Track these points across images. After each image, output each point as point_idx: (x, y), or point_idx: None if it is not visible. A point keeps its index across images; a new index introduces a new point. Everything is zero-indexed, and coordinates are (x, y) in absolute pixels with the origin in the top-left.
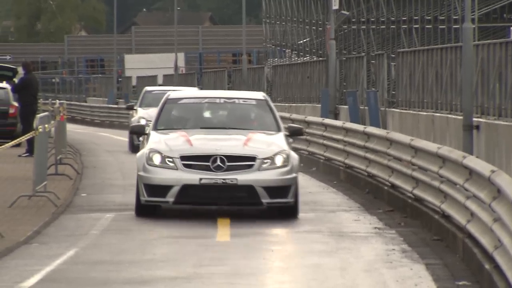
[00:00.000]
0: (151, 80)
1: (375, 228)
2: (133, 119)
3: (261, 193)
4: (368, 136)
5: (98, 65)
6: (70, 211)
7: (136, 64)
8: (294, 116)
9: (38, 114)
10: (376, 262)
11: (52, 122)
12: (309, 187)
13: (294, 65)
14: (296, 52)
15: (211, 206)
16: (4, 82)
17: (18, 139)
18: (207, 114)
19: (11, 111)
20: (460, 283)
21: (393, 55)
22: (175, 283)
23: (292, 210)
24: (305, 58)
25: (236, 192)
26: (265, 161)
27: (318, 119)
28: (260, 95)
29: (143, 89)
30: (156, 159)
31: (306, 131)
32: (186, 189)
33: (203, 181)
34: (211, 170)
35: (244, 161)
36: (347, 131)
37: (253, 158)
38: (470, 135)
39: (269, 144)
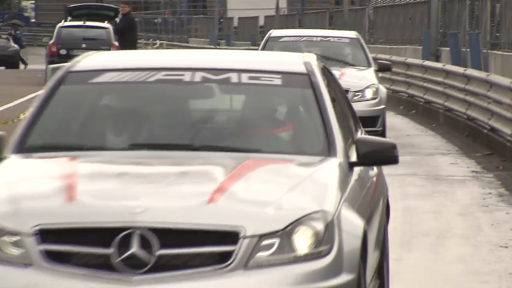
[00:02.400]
0: (253, 21)
1: (473, 171)
2: None
3: None
4: (468, 78)
5: (200, 6)
6: None
7: (238, 4)
8: (394, 58)
9: None
10: (471, 206)
11: None
12: (408, 130)
13: (396, 6)
14: None
15: None
16: (106, 22)
17: None
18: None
19: (112, 50)
20: None
21: None
22: None
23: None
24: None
25: None
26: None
27: (418, 61)
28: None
29: (267, 34)
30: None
31: (406, 73)
32: None
33: None
34: (114, 271)
35: (204, 245)
36: (447, 73)
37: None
38: None
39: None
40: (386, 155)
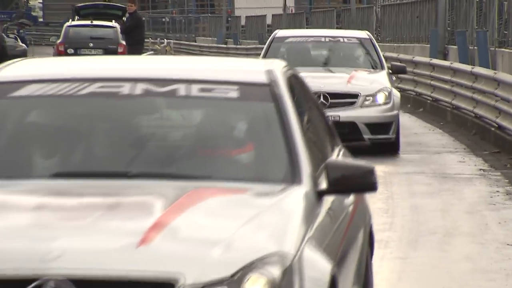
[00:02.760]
0: (260, 20)
1: (480, 169)
2: None
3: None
4: (476, 76)
5: (207, 5)
6: None
7: (245, 3)
8: (402, 56)
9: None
10: (478, 204)
11: None
12: (415, 128)
13: (403, 4)
14: None
15: None
16: (113, 21)
17: None
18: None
19: (120, 50)
20: None
21: None
22: None
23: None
24: None
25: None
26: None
27: (426, 59)
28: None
29: (272, 34)
30: None
31: (413, 71)
32: None
33: None
34: None
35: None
36: (455, 71)
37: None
38: None
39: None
40: (362, 181)
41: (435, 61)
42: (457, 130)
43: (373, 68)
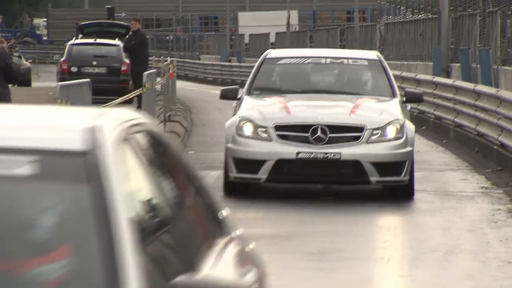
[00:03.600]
0: (263, 38)
1: (482, 187)
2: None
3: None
4: (478, 94)
5: (211, 23)
6: None
7: (249, 21)
8: (405, 74)
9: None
10: (480, 222)
11: (159, 79)
12: (418, 146)
13: (406, 22)
14: (410, 9)
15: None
16: (117, 39)
17: (125, 96)
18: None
19: (123, 68)
20: None
21: (509, 12)
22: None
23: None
24: (420, 16)
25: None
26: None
27: (429, 77)
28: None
29: (263, 54)
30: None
31: (416, 89)
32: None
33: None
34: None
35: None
36: (457, 89)
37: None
38: None
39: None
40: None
41: (438, 79)
42: (459, 148)
43: (383, 95)
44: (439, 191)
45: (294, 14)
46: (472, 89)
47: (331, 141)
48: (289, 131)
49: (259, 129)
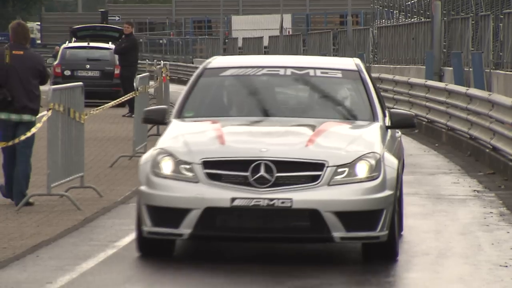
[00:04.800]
0: (257, 41)
1: (474, 190)
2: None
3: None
4: (470, 98)
5: (205, 26)
6: None
7: (242, 25)
8: (398, 77)
9: (139, 75)
10: (472, 225)
11: (152, 83)
12: (410, 150)
13: (399, 26)
14: (403, 13)
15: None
16: (110, 43)
17: (117, 100)
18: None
19: (116, 71)
20: None
21: (502, 16)
22: None
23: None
24: (412, 19)
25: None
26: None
27: (421, 81)
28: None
29: (204, 63)
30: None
31: (409, 92)
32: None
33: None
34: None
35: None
36: (450, 92)
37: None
38: None
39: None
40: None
41: (430, 82)
42: (452, 151)
43: (359, 118)
44: (431, 194)
45: (288, 18)
46: (465, 93)
47: (279, 183)
48: (222, 169)
49: (182, 166)
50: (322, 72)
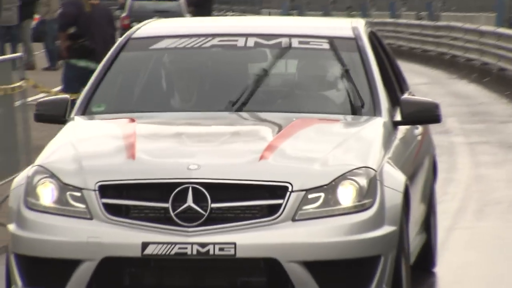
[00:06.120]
0: None
1: None
2: (17, 178)
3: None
4: None
5: None
6: None
7: None
8: (467, 25)
9: None
10: None
11: None
12: (481, 98)
13: None
14: None
15: None
16: None
17: None
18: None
19: None
20: None
21: None
22: None
23: None
24: None
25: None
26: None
27: (491, 28)
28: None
29: (128, 32)
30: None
31: (479, 40)
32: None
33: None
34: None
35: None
36: None
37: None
38: None
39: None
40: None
41: (501, 30)
42: None
43: (350, 112)
44: (502, 142)
45: None
46: None
47: (217, 218)
48: (128, 198)
49: (69, 193)
50: (301, 42)
